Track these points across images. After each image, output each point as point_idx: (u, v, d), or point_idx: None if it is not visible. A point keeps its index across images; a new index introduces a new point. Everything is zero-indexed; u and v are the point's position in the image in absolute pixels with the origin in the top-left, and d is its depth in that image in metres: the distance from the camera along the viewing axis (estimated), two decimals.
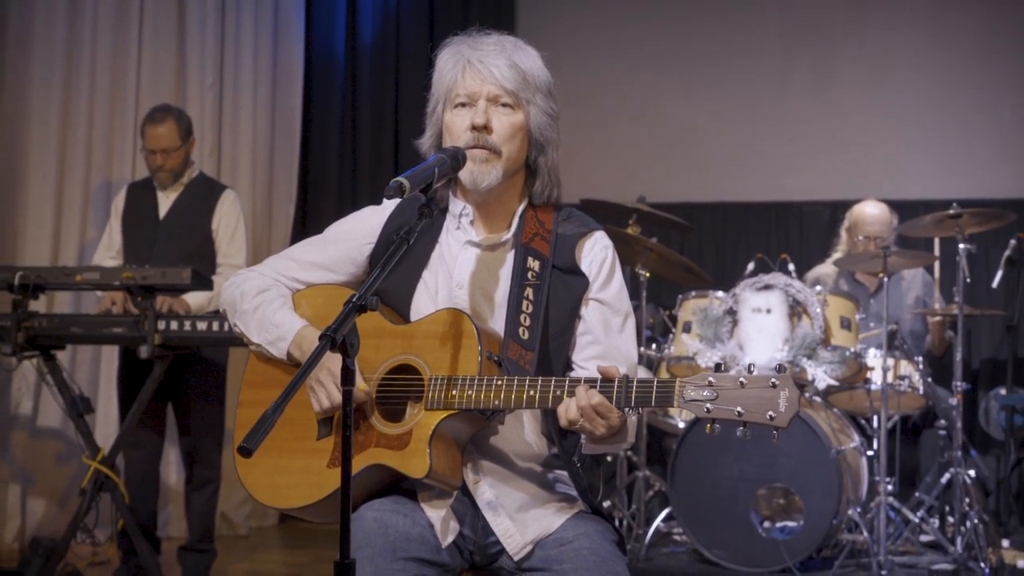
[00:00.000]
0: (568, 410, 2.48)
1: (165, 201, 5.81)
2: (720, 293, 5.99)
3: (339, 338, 2.22)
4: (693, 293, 6.14)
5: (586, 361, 2.74)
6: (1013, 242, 6.73)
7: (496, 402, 2.53)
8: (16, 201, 6.62)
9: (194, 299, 5.49)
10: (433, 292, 2.75)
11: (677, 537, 6.21)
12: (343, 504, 2.24)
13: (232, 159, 7.69)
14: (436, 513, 2.63)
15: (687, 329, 5.97)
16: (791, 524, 5.45)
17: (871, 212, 6.76)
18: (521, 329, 2.66)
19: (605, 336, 2.76)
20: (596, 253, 2.79)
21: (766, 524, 5.49)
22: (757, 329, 5.73)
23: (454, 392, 2.55)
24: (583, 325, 2.76)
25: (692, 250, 8.07)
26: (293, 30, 8.21)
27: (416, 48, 8.64)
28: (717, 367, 2.46)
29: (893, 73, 8.12)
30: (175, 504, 6.98)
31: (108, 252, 5.83)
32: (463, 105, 2.70)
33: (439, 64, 2.74)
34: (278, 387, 2.66)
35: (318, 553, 6.83)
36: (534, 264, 2.72)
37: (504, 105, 2.69)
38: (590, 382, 2.49)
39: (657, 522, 6.03)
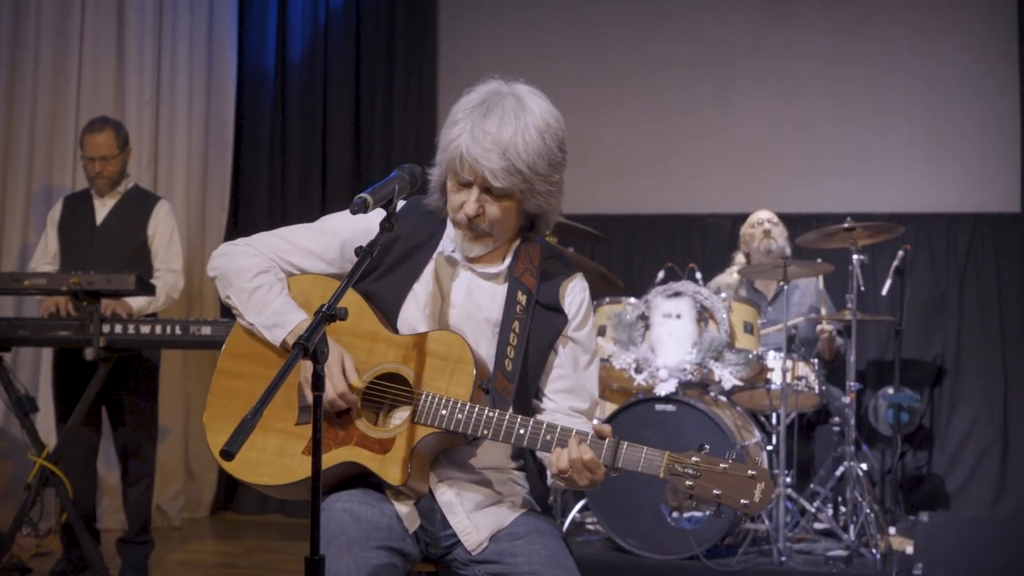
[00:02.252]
0: (560, 460, 2.50)
1: (102, 209, 5.79)
2: (633, 299, 6.03)
3: (311, 347, 2.23)
4: (607, 299, 6.17)
5: (554, 393, 2.78)
6: (901, 253, 6.92)
7: (485, 432, 2.54)
8: None
9: (135, 302, 5.47)
10: (423, 305, 2.74)
11: (591, 527, 6.26)
12: (313, 500, 2.24)
13: (168, 169, 7.64)
14: (403, 507, 2.64)
15: (602, 333, 6.02)
16: (698, 514, 5.52)
17: (758, 212, 7.10)
18: (507, 361, 2.67)
19: (574, 372, 2.79)
20: (576, 295, 2.82)
21: (675, 514, 5.54)
22: (668, 333, 5.81)
23: (444, 412, 2.55)
24: (556, 360, 2.78)
25: (604, 259, 8.10)
26: (226, 48, 8.15)
27: (343, 64, 8.58)
28: (700, 448, 2.49)
29: (790, 95, 8.22)
30: (110, 497, 6.91)
31: (44, 258, 5.79)
32: (461, 183, 2.65)
33: (447, 127, 2.65)
34: (259, 361, 2.65)
35: (250, 543, 6.80)
36: (522, 298, 2.73)
37: (498, 195, 2.64)
38: (581, 435, 2.50)
39: (573, 512, 6.09)
